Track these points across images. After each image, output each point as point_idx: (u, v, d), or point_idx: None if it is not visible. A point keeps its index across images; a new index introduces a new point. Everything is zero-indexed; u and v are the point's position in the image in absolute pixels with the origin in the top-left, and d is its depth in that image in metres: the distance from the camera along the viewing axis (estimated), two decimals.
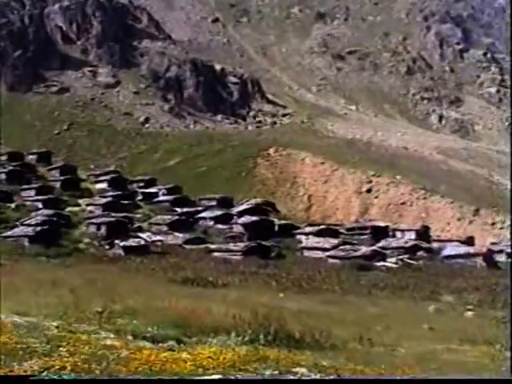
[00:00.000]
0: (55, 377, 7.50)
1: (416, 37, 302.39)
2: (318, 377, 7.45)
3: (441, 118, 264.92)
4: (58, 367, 8.96)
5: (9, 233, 70.56)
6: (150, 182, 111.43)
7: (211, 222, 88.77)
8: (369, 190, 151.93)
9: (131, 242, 70.29)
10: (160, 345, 12.34)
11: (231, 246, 73.41)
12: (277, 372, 8.95)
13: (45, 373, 8.43)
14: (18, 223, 75.43)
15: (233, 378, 7.35)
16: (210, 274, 51.67)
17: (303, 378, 7.88)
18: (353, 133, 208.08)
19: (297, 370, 9.14)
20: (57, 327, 13.18)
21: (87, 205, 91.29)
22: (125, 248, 68.40)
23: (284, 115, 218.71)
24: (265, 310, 21.25)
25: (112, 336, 12.67)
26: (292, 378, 7.26)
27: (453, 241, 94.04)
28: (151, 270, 50.40)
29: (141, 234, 75.79)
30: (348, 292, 47.00)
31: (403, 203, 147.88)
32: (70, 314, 15.29)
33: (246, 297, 27.58)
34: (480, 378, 7.97)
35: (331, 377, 7.40)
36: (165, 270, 49.85)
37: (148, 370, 9.41)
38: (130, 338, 12.76)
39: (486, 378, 7.98)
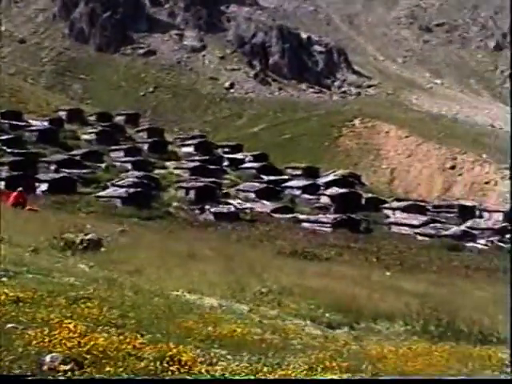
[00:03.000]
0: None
1: (507, 11, 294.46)
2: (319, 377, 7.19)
3: None
4: (324, 367, 8.72)
5: (102, 193, 71.39)
6: (236, 148, 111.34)
7: (298, 192, 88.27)
8: (453, 167, 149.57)
9: (221, 209, 70.60)
10: (338, 331, 12.17)
11: (321, 217, 73.03)
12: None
13: None
14: (109, 184, 76.31)
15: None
16: (302, 245, 51.58)
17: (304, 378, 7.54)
18: (438, 108, 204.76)
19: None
20: (249, 311, 13.01)
21: (174, 168, 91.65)
22: (215, 214, 68.77)
23: (369, 86, 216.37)
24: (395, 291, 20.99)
25: (308, 323, 12.50)
26: (294, 378, 7.01)
27: None
28: (247, 238, 50.50)
29: (231, 201, 76.02)
30: (446, 273, 46.34)
31: (487, 182, 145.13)
32: (238, 294, 15.09)
33: (365, 275, 27.33)
34: (480, 378, 7.69)
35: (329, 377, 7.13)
36: (261, 239, 49.94)
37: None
38: (308, 323, 12.60)
39: (486, 378, 7.69)
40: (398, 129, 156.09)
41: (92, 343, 8.00)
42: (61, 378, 6.42)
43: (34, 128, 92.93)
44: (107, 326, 9.45)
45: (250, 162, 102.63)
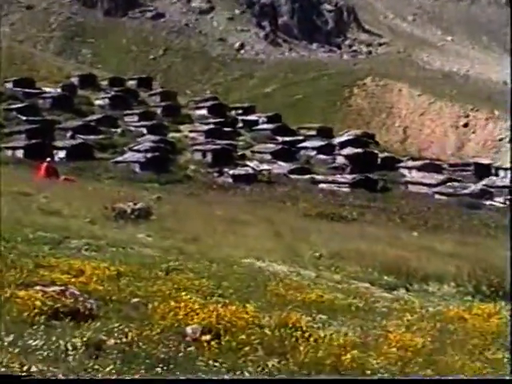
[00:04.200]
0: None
1: None
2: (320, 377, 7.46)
3: None
4: (419, 328, 8.98)
5: (120, 158, 71.65)
6: (250, 110, 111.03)
7: (313, 152, 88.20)
8: (466, 125, 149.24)
9: (239, 171, 70.86)
10: (395, 293, 12.48)
11: (338, 177, 73.24)
12: None
13: None
14: (125, 148, 76.48)
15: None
16: (324, 206, 51.89)
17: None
18: (450, 65, 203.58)
19: None
20: (317, 276, 13.32)
21: (189, 131, 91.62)
22: (234, 176, 69.06)
23: (380, 44, 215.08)
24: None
25: (370, 286, 12.79)
26: (294, 377, 7.31)
27: None
28: (270, 200, 50.87)
29: (248, 163, 76.22)
30: (468, 231, 46.57)
31: (501, 139, 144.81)
32: (296, 259, 15.39)
33: (395, 236, 27.68)
34: (480, 378, 7.98)
35: (332, 376, 7.40)
36: (283, 201, 50.28)
37: None
38: (369, 285, 12.90)
39: (486, 378, 7.98)
40: (409, 87, 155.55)
41: (215, 314, 8.33)
42: (61, 377, 6.49)
43: (47, 95, 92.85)
44: (213, 297, 9.78)
45: (263, 123, 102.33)
